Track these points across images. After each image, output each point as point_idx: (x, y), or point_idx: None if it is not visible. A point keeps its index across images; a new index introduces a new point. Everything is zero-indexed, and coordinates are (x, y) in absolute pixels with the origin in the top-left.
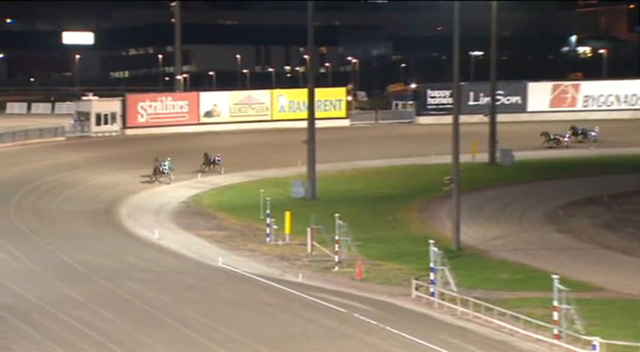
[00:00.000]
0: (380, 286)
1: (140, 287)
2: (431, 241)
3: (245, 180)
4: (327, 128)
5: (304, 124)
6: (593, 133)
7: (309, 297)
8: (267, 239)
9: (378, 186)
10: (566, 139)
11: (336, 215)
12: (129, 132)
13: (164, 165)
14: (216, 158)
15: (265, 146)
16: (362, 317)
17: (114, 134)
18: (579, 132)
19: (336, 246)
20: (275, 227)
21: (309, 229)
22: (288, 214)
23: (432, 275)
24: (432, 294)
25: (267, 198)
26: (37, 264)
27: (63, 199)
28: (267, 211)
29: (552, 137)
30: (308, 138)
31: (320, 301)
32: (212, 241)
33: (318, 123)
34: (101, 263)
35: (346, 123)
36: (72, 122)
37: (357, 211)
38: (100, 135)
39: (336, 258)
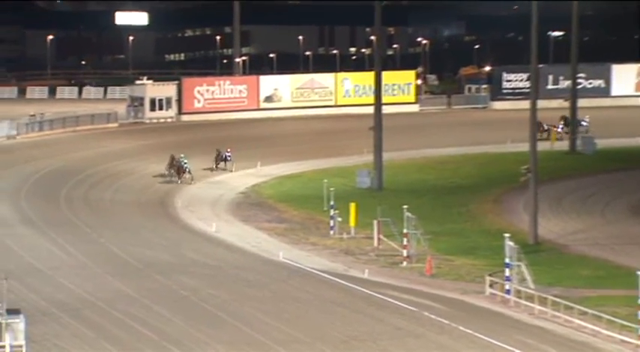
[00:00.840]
0: (451, 283)
1: (197, 282)
2: (506, 235)
3: (307, 170)
4: (395, 114)
5: (370, 110)
6: (584, 123)
7: (376, 294)
8: (331, 232)
9: (449, 176)
10: (559, 130)
11: (405, 206)
12: (185, 118)
13: (183, 162)
14: (227, 154)
15: (329, 133)
16: (432, 316)
17: (169, 120)
18: (562, 123)
19: (405, 239)
20: (339, 219)
21: (375, 222)
22: (353, 206)
23: (507, 272)
24: (508, 292)
25: (331, 189)
26: (88, 258)
27: (115, 189)
28: (331, 202)
29: (546, 128)
30: (374, 125)
31: (387, 298)
32: (272, 234)
33: (386, 109)
34: (156, 257)
35: (415, 108)
36: (125, 107)
37: (427, 203)
38: (154, 121)
39: (405, 253)
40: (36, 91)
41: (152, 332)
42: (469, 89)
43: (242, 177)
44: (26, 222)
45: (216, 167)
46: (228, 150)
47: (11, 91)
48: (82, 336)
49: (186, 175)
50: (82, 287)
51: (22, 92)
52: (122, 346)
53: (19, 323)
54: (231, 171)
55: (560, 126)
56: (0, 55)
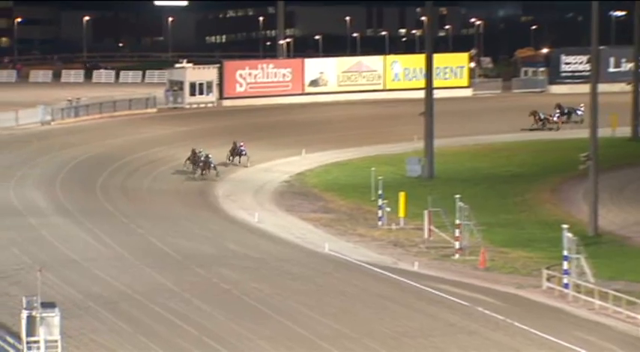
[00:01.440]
0: (506, 276)
1: (239, 275)
2: (564, 226)
3: (355, 157)
4: (447, 98)
5: (421, 94)
6: (579, 112)
7: (427, 288)
8: (379, 223)
9: (504, 164)
10: (555, 119)
11: (457, 196)
12: (226, 103)
13: (205, 156)
14: (241, 147)
15: (377, 119)
16: (486, 311)
17: (209, 105)
18: (565, 111)
19: (457, 230)
20: (388, 209)
21: (426, 212)
22: (402, 195)
23: (565, 265)
24: (566, 286)
25: (379, 177)
26: (126, 249)
27: (154, 177)
28: (380, 192)
29: (542, 117)
30: (425, 110)
31: (439, 293)
32: (317, 225)
33: (437, 93)
34: (196, 248)
35: (468, 92)
36: (164, 92)
37: (481, 192)
38: (194, 106)
39: (457, 245)
40: (71, 75)
41: (192, 327)
42: (525, 72)
43: (286, 165)
44: (61, 212)
45: (230, 160)
46: (242, 143)
47: (45, 75)
48: (119, 331)
49: (211, 171)
50: (119, 280)
51: (56, 75)
52: (161, 341)
53: (54, 317)
54: (246, 166)
55: (556, 114)
56: (35, 37)
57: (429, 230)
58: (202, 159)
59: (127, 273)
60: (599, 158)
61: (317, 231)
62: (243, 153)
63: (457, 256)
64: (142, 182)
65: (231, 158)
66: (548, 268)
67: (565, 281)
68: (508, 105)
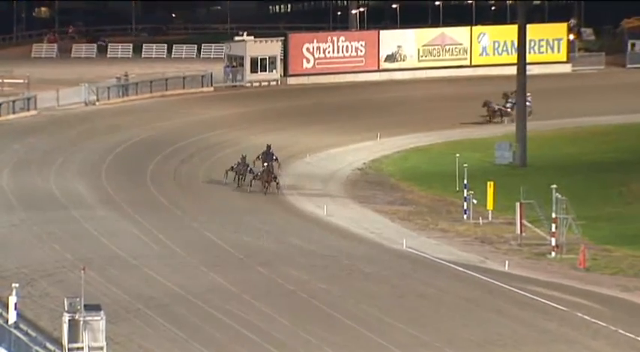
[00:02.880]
0: (610, 278)
1: (305, 275)
2: None
3: (436, 142)
4: (542, 75)
5: (512, 71)
6: (526, 103)
7: (519, 291)
8: (465, 216)
9: (608, 150)
10: (508, 108)
11: (553, 186)
12: (291, 80)
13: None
14: (271, 153)
15: (463, 98)
16: (586, 317)
17: (273, 83)
18: (513, 101)
19: (553, 225)
20: (474, 201)
21: (518, 204)
22: (491, 185)
23: None
24: None
25: (465, 165)
26: (178, 245)
27: (210, 165)
28: (465, 181)
29: (497, 108)
30: (517, 89)
31: (532, 296)
32: (394, 219)
33: (531, 69)
34: (257, 245)
35: (567, 68)
36: (222, 69)
37: (580, 181)
38: (255, 84)
39: (553, 242)
40: (119, 50)
41: (253, 333)
42: (633, 45)
43: (359, 151)
44: (107, 203)
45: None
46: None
47: (89, 50)
48: (171, 337)
49: (272, 183)
50: (171, 280)
51: (101, 50)
52: (218, 348)
53: (99, 321)
54: (276, 184)
55: (509, 104)
56: (78, 8)
57: (521, 225)
58: (268, 168)
59: (180, 272)
60: None
61: (393, 226)
62: (275, 158)
63: (553, 254)
64: (197, 170)
65: (262, 163)
66: None
67: None
68: (612, 82)
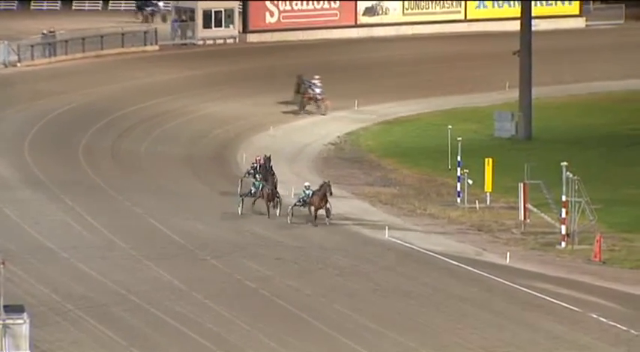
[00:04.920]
0: (631, 272)
1: (269, 270)
2: None
3: (425, 111)
4: (551, 32)
5: (515, 26)
6: (316, 89)
7: (522, 288)
8: (458, 200)
9: (628, 120)
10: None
11: (563, 164)
12: (252, 38)
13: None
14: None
15: (455, 59)
16: (603, 319)
17: (230, 41)
18: (307, 84)
19: (563, 210)
20: (470, 182)
21: (521, 185)
22: (489, 163)
23: None
24: None
25: (458, 139)
26: (117, 235)
27: (155, 139)
28: (458, 158)
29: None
30: (521, 48)
31: (538, 294)
32: (375, 203)
33: (537, 24)
34: (212, 234)
35: (580, 23)
36: (169, 24)
37: (595, 158)
38: (209, 42)
39: (563, 230)
40: (44, 2)
41: (206, 339)
42: None
43: (333, 122)
44: (32, 184)
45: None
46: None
47: (9, 1)
48: (108, 344)
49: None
50: (109, 276)
51: (24, 2)
52: None
53: (22, 324)
54: (324, 114)
55: (319, 90)
56: None
57: (525, 210)
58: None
59: (119, 267)
60: None
61: (374, 211)
62: (320, 96)
63: (563, 245)
64: (139, 144)
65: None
66: None
67: None
68: (633, 40)
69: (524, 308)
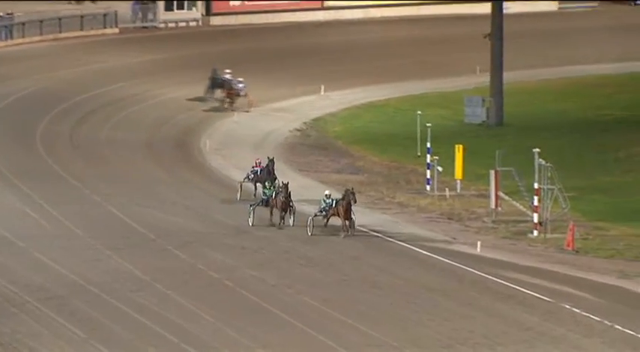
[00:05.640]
0: (605, 261)
1: (234, 260)
2: None
3: (394, 96)
4: (523, 15)
5: (487, 8)
6: (240, 85)
7: (493, 278)
8: (428, 188)
9: (602, 105)
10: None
11: (536, 150)
12: (215, 20)
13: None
14: (239, 83)
15: (425, 43)
16: (576, 310)
17: (192, 24)
18: (219, 81)
19: (536, 198)
20: (440, 169)
21: (492, 172)
22: (459, 149)
23: None
24: None
25: (428, 125)
26: (76, 224)
27: (116, 124)
28: (428, 145)
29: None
30: (492, 32)
31: (510, 284)
32: (342, 190)
33: (509, 7)
34: (174, 222)
35: (552, 6)
36: (130, 6)
37: (569, 144)
38: (171, 25)
39: (535, 218)
40: None
41: (168, 331)
42: None
43: (299, 108)
44: None
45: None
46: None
47: None
48: (67, 336)
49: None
50: (67, 266)
51: None
52: (125, 350)
53: None
54: (248, 111)
55: (240, 85)
56: None
57: (497, 197)
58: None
59: (78, 257)
60: None
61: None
62: (242, 92)
63: (536, 234)
64: (99, 130)
65: (227, 101)
66: None
67: None
68: (609, 23)
69: (496, 299)
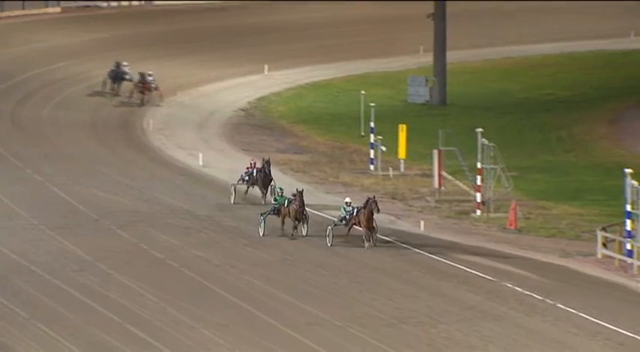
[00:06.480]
0: (547, 240)
1: (177, 240)
2: (627, 170)
3: (338, 76)
4: None
5: None
6: (151, 78)
7: (436, 257)
8: (371, 167)
9: (545, 85)
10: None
11: (479, 130)
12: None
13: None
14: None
15: (369, 22)
16: (518, 289)
17: (135, 3)
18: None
19: (479, 178)
20: (383, 148)
21: (435, 152)
22: (403, 129)
23: (628, 225)
24: (629, 254)
25: (372, 104)
26: (18, 204)
27: (58, 104)
28: (372, 124)
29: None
30: (435, 11)
31: (452, 263)
32: (286, 170)
33: None
34: (117, 202)
35: None
36: None
37: (511, 124)
38: (113, 4)
39: (478, 197)
40: None
41: (111, 311)
42: None
43: (242, 87)
44: None
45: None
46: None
47: None
48: (9, 316)
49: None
50: (8, 246)
51: None
52: (68, 330)
53: None
54: (159, 105)
55: (151, 78)
56: None
57: (440, 177)
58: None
59: (19, 237)
60: None
61: (285, 179)
62: (154, 85)
63: (478, 213)
64: (41, 110)
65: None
66: (604, 229)
67: (628, 247)
68: (550, 4)
69: (439, 278)
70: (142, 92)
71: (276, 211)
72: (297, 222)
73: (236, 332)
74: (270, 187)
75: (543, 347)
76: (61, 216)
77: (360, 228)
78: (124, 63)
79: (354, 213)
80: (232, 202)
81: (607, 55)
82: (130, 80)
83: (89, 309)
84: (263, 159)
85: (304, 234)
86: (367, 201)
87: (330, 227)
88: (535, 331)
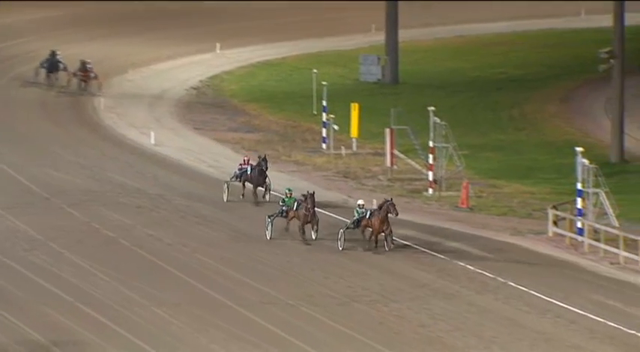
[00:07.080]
0: (498, 219)
1: (129, 219)
2: (578, 149)
3: (290, 55)
4: None
5: None
6: (89, 66)
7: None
8: (324, 146)
9: (496, 64)
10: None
11: (431, 108)
12: None
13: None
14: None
15: (320, 1)
16: (470, 267)
17: None
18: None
19: (430, 156)
20: (335, 127)
21: (387, 131)
22: (355, 107)
23: (579, 203)
24: (580, 232)
25: (324, 83)
26: None
27: (8, 83)
28: (324, 103)
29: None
30: None
31: (404, 242)
32: (238, 149)
33: None
34: (68, 181)
35: None
36: None
37: (463, 103)
38: None
39: (430, 176)
40: None
41: (63, 290)
42: None
43: (194, 66)
44: None
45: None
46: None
47: None
48: None
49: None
50: None
51: None
52: (19, 309)
53: None
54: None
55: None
56: None
57: (392, 156)
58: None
59: None
60: (627, 54)
61: (237, 158)
62: (93, 74)
63: (430, 192)
64: None
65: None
66: (555, 207)
67: (579, 225)
68: None
69: (390, 257)
70: (83, 80)
71: (284, 214)
72: (305, 226)
73: (188, 312)
74: (265, 185)
75: (495, 324)
76: (12, 195)
77: (377, 233)
78: (58, 51)
79: (367, 216)
80: (225, 200)
81: (558, 33)
82: (65, 70)
83: (40, 288)
84: (259, 157)
85: (313, 237)
86: (383, 203)
87: (341, 230)
88: (487, 309)
